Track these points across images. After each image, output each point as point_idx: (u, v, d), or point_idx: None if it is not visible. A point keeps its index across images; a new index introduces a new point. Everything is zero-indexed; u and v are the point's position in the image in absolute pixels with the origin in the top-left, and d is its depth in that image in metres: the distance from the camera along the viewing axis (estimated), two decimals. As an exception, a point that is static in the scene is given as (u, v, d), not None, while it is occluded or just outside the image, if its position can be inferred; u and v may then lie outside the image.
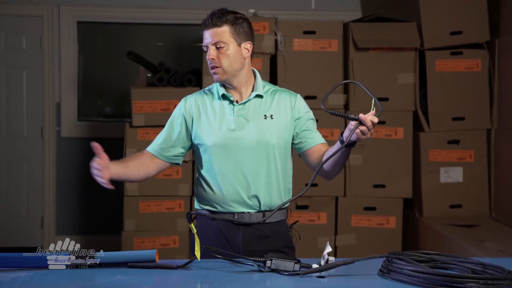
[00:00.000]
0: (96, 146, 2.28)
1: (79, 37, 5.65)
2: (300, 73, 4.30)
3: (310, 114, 2.45)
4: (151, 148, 2.49)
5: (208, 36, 2.33)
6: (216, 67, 2.34)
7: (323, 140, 2.42)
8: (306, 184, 4.29)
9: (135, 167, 2.43)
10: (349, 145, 2.15)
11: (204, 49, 2.37)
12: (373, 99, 2.10)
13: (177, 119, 2.46)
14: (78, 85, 5.67)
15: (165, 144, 2.46)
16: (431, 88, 4.27)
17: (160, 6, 5.61)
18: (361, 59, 4.26)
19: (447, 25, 4.28)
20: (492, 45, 4.29)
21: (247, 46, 2.38)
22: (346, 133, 2.12)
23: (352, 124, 2.08)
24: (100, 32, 5.73)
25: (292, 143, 2.44)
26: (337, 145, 2.20)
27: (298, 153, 2.47)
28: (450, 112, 4.29)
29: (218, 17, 2.32)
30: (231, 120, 2.37)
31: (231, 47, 2.33)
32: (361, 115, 2.05)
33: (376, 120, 2.06)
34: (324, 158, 2.26)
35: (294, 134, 2.42)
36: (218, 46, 2.32)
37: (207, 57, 2.34)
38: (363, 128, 2.06)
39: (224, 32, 2.32)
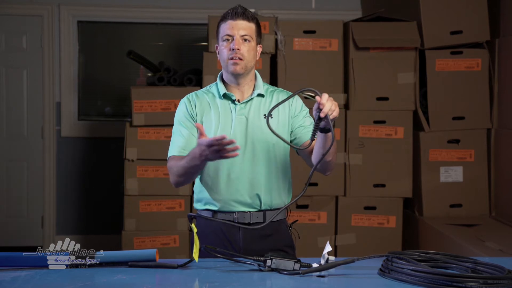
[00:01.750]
0: (199, 126, 2.13)
1: (79, 36, 5.65)
2: (300, 72, 4.30)
3: (307, 112, 2.46)
4: (178, 152, 2.35)
5: (237, 26, 2.32)
6: (239, 58, 2.33)
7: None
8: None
9: None
10: (324, 130, 2.14)
11: (225, 39, 2.34)
12: (300, 92, 2.11)
13: (187, 117, 2.41)
14: (78, 85, 5.67)
15: (190, 143, 2.36)
16: (431, 87, 4.27)
17: (160, 5, 5.61)
18: (361, 59, 4.26)
19: (447, 25, 4.28)
20: (492, 45, 4.29)
21: (259, 49, 2.42)
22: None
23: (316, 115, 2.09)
24: (100, 31, 5.74)
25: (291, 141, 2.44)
26: (320, 137, 2.18)
27: (296, 151, 2.47)
28: (450, 112, 4.29)
29: (248, 13, 2.35)
30: (232, 119, 2.37)
31: (253, 44, 2.36)
32: (321, 114, 2.05)
33: (324, 98, 2.06)
34: (313, 157, 2.28)
35: (290, 131, 2.42)
36: (245, 39, 2.33)
37: (232, 46, 2.31)
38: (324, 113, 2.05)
39: (252, 28, 2.36)
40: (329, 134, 2.14)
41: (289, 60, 4.29)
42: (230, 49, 2.33)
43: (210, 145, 2.07)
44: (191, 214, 2.24)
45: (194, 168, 2.24)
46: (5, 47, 5.60)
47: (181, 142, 2.38)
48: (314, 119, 2.12)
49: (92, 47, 5.75)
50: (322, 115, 2.05)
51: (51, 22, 5.56)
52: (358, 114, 4.28)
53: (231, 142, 2.06)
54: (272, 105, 2.41)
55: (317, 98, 2.08)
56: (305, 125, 2.42)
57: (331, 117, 2.07)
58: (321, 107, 2.06)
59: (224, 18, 2.37)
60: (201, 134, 2.12)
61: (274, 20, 4.31)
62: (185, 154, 2.32)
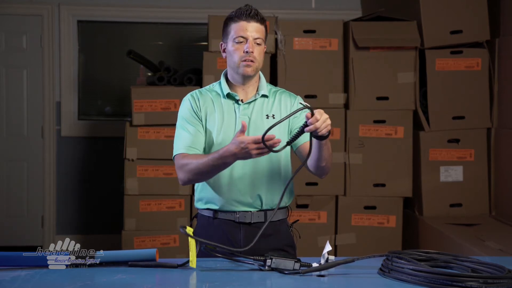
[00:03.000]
0: (244, 124, 2.12)
1: (79, 36, 5.65)
2: (300, 72, 4.30)
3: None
4: (185, 149, 2.33)
5: (251, 29, 2.32)
6: (252, 61, 2.33)
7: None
8: (307, 184, 4.30)
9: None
10: (318, 137, 2.15)
11: (238, 40, 2.32)
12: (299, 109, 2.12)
13: (193, 114, 2.39)
14: (78, 84, 5.67)
15: (197, 140, 2.35)
16: (431, 87, 4.27)
17: (160, 5, 5.61)
18: (361, 58, 4.26)
19: (447, 24, 4.28)
20: (492, 44, 4.29)
21: (264, 49, 2.41)
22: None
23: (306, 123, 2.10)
24: (100, 31, 5.73)
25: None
26: (314, 142, 2.20)
27: (294, 152, 2.46)
28: (450, 111, 4.29)
29: (260, 15, 2.35)
30: (235, 119, 2.37)
31: (263, 47, 2.37)
32: (308, 128, 2.08)
33: (316, 116, 2.08)
34: (309, 160, 2.28)
35: (290, 131, 2.42)
36: (257, 42, 2.34)
37: (246, 48, 2.31)
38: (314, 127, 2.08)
39: (263, 31, 2.37)
40: (322, 141, 2.19)
41: (289, 60, 4.29)
42: (243, 51, 2.32)
43: (257, 142, 2.07)
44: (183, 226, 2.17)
45: (223, 166, 2.22)
46: (5, 47, 5.60)
47: (188, 139, 2.35)
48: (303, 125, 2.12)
49: (92, 47, 5.75)
50: (306, 130, 2.09)
51: (51, 21, 5.56)
52: (358, 113, 4.28)
53: (278, 141, 2.07)
54: (275, 106, 2.42)
55: (308, 114, 2.08)
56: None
57: (319, 133, 2.09)
58: (308, 123, 2.07)
59: (236, 18, 2.34)
60: (242, 131, 2.10)
61: (274, 19, 4.31)
62: (192, 152, 2.32)
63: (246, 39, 2.32)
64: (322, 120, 2.08)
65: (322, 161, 2.26)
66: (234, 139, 2.12)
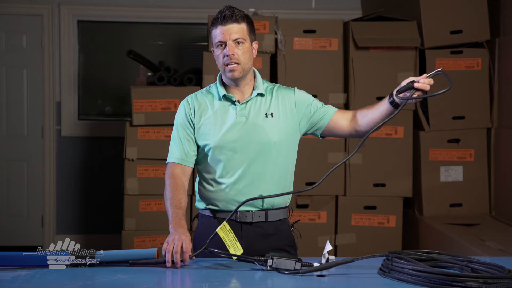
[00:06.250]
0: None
1: (79, 36, 5.65)
2: (300, 72, 4.30)
3: (311, 96, 2.47)
4: (177, 159, 2.41)
5: (227, 31, 2.31)
6: (236, 63, 2.32)
7: (335, 109, 2.44)
8: (306, 183, 4.29)
9: (184, 197, 2.39)
10: (395, 105, 2.35)
11: (218, 45, 2.33)
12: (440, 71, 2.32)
13: (185, 122, 2.42)
14: (78, 84, 5.67)
15: (189, 147, 2.41)
16: (431, 87, 4.26)
17: (160, 5, 5.61)
18: (361, 58, 4.26)
19: (447, 24, 4.28)
20: (492, 44, 4.29)
21: (255, 45, 2.40)
22: (397, 95, 2.31)
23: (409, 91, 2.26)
24: (100, 31, 5.74)
25: (310, 130, 2.45)
26: (385, 106, 2.40)
27: (321, 136, 2.47)
28: (450, 111, 4.29)
29: (237, 14, 2.33)
30: (233, 120, 2.37)
31: (247, 45, 2.34)
32: (416, 85, 2.29)
33: (431, 82, 2.30)
34: (371, 117, 2.45)
35: (310, 121, 2.42)
36: (238, 42, 2.32)
37: (226, 52, 2.30)
38: (419, 93, 2.30)
39: (243, 29, 2.33)
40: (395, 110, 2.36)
41: (289, 60, 4.29)
42: (224, 55, 2.32)
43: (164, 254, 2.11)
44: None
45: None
46: (5, 47, 5.60)
47: (181, 150, 2.41)
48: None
49: (92, 47, 5.75)
50: (416, 85, 2.31)
51: (51, 21, 5.56)
52: (358, 113, 4.27)
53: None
54: (272, 103, 2.41)
55: (423, 76, 2.29)
56: (319, 106, 2.44)
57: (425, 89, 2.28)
58: (425, 88, 2.30)
59: (213, 23, 2.35)
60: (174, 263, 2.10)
61: (274, 19, 4.31)
62: (184, 164, 2.40)
63: (225, 42, 2.31)
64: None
65: (376, 125, 2.41)
66: (179, 233, 2.24)
